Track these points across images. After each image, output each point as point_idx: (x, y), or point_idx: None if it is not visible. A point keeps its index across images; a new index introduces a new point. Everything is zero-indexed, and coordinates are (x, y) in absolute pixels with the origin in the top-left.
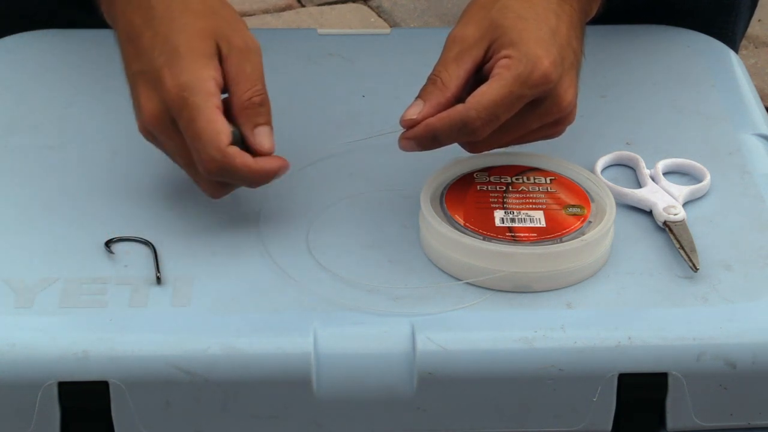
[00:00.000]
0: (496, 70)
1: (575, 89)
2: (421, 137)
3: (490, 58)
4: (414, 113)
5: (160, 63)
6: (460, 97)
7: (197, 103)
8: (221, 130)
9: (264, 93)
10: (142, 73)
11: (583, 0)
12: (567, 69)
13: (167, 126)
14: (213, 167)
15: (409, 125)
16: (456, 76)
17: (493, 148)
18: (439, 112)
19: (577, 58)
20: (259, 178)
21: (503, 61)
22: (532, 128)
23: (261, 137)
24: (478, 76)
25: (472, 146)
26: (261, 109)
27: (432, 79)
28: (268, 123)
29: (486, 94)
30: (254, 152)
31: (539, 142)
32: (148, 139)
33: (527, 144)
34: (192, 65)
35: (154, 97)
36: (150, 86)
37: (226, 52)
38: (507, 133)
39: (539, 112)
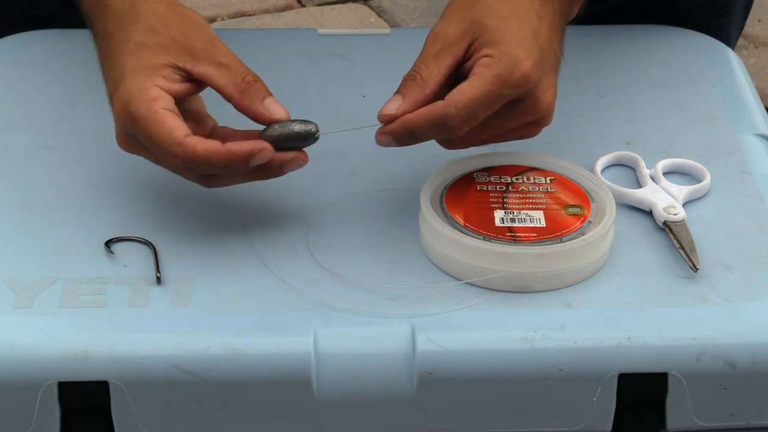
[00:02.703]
0: (476, 69)
1: (554, 91)
2: (398, 133)
3: (471, 56)
4: (392, 108)
5: (111, 89)
6: (439, 94)
7: (141, 113)
8: (174, 126)
9: (252, 72)
10: (109, 102)
11: (565, 2)
12: (547, 70)
13: (133, 144)
14: (179, 163)
15: (386, 120)
16: (436, 73)
17: (469, 146)
18: (418, 108)
19: (557, 59)
20: (232, 162)
21: (484, 60)
22: (509, 127)
23: (272, 107)
24: (458, 74)
25: (448, 143)
26: (258, 85)
27: (411, 75)
28: (271, 95)
29: (466, 92)
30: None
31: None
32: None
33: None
34: (133, 80)
35: (115, 123)
36: (111, 113)
37: (190, 61)
38: (483, 131)
39: (518, 112)
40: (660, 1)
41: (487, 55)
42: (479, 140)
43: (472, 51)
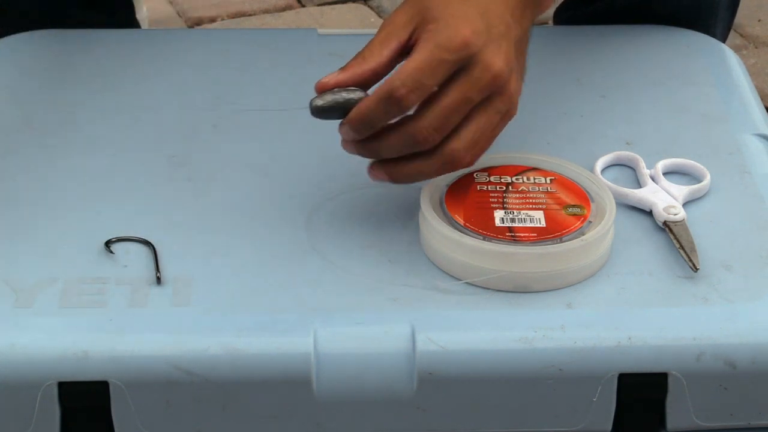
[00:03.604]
0: (418, 43)
1: (506, 59)
2: (353, 121)
3: (416, 39)
4: (328, 78)
5: None
6: (381, 74)
7: None
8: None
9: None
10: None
11: None
12: (495, 38)
13: None
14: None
15: (319, 87)
16: (378, 53)
17: (444, 134)
18: (355, 79)
19: (511, 31)
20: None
21: (424, 35)
22: (470, 100)
23: None
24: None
25: (423, 140)
26: None
27: (355, 56)
28: None
29: (408, 62)
30: None
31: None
32: None
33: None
34: None
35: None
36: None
37: None
38: (447, 111)
39: (469, 79)
40: (645, 3)
41: (427, 30)
42: (449, 123)
43: (417, 34)
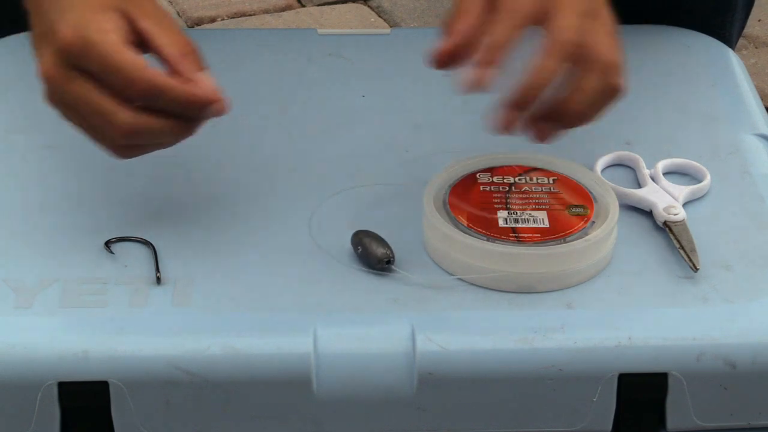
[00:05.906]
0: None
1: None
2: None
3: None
4: (443, 48)
5: (54, 18)
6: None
7: (98, 39)
8: (134, 55)
9: (191, 42)
10: (40, 35)
11: None
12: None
13: (66, 75)
14: (139, 89)
15: (444, 58)
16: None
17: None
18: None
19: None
20: (191, 103)
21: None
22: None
23: (204, 80)
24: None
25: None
26: (196, 57)
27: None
28: (206, 68)
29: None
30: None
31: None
32: (54, 107)
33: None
34: (84, 11)
35: (48, 49)
36: (46, 41)
37: (137, 14)
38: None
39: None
40: (663, 2)
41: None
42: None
43: None
